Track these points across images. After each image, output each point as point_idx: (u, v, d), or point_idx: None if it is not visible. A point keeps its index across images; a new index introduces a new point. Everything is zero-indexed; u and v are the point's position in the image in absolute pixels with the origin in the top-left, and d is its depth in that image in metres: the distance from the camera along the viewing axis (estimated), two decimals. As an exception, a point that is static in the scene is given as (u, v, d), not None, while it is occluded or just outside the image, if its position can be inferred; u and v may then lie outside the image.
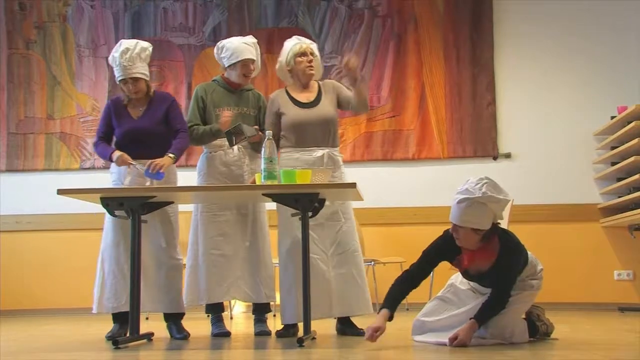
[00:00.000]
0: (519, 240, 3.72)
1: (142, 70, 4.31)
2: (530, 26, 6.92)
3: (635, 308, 6.06)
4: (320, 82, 4.44)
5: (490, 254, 3.61)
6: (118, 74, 4.30)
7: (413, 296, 3.84)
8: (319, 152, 4.24)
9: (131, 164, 4.20)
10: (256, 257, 4.38)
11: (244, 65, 4.43)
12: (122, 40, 4.38)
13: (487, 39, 6.91)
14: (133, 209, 3.93)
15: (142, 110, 4.38)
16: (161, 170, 4.13)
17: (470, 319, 3.57)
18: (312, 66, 4.33)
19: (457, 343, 3.50)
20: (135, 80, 4.29)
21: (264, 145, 3.92)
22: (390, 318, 3.63)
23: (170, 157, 4.21)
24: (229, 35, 7.04)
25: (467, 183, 3.59)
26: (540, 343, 3.70)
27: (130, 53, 4.27)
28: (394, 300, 3.66)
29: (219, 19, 7.15)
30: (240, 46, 4.45)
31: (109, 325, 4.38)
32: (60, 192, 3.91)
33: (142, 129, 4.31)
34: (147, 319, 5.52)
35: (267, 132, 4.01)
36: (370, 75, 6.94)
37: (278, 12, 7.11)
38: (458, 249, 3.65)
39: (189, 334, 4.26)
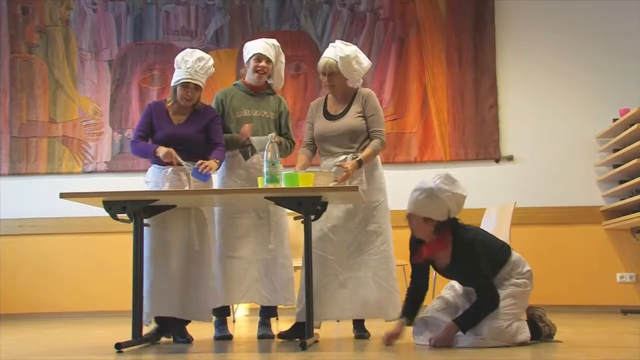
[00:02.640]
0: (481, 235, 3.80)
1: (204, 81, 4.38)
2: (533, 29, 6.92)
3: (637, 310, 6.05)
4: (358, 90, 4.42)
5: (443, 245, 3.69)
6: (184, 76, 4.30)
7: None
8: (342, 157, 4.27)
9: (178, 160, 4.18)
10: (275, 260, 4.38)
11: (256, 59, 4.45)
12: (196, 49, 4.44)
13: (489, 42, 6.91)
14: (135, 212, 3.93)
15: (184, 118, 4.38)
16: (210, 172, 4.18)
17: (452, 320, 3.62)
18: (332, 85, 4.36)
19: (433, 342, 3.60)
20: (197, 88, 4.33)
21: (265, 148, 3.93)
22: (409, 324, 3.79)
23: (215, 161, 4.25)
24: (231, 38, 7.11)
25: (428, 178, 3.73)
26: (543, 345, 3.69)
27: (204, 63, 4.35)
28: (406, 308, 3.82)
29: (221, 22, 7.16)
30: (259, 43, 4.50)
31: (112, 329, 4.38)
32: (63, 195, 3.91)
33: (183, 135, 4.31)
34: (150, 322, 5.52)
35: (269, 135, 4.02)
36: (372, 78, 6.94)
37: (280, 15, 7.12)
38: (421, 242, 3.77)
39: (192, 338, 4.25)
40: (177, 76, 4.34)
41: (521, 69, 6.89)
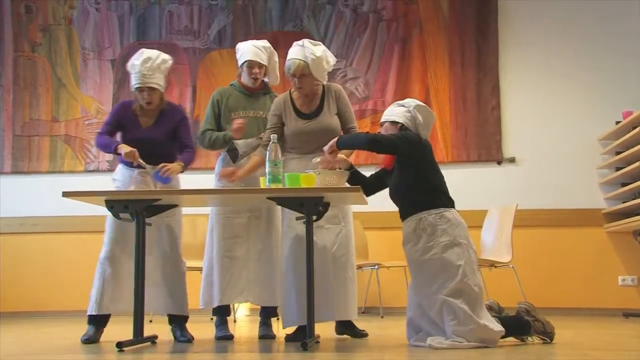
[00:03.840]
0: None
1: (159, 81, 4.33)
2: (536, 31, 6.92)
3: (639, 314, 6.04)
4: (326, 86, 4.37)
5: None
6: (135, 82, 4.29)
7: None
8: (317, 158, 4.24)
9: (139, 162, 4.19)
10: (271, 260, 4.38)
11: (248, 66, 4.45)
12: (144, 49, 4.39)
13: (492, 44, 6.91)
14: (137, 211, 3.93)
15: (152, 121, 4.38)
16: (171, 176, 4.19)
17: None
18: (301, 87, 4.29)
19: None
20: (152, 90, 4.30)
21: (268, 148, 3.93)
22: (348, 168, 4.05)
23: (180, 164, 4.28)
24: (234, 38, 7.11)
25: None
26: (542, 347, 3.68)
27: (152, 63, 4.29)
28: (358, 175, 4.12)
29: (224, 22, 7.16)
30: (249, 48, 4.47)
31: (113, 328, 4.38)
32: (65, 194, 3.91)
33: (150, 139, 4.32)
34: (150, 321, 5.53)
35: (272, 135, 4.02)
36: (375, 79, 6.95)
37: (283, 15, 7.12)
38: None
39: (193, 337, 4.26)
40: (131, 82, 4.35)
41: (524, 71, 6.89)
